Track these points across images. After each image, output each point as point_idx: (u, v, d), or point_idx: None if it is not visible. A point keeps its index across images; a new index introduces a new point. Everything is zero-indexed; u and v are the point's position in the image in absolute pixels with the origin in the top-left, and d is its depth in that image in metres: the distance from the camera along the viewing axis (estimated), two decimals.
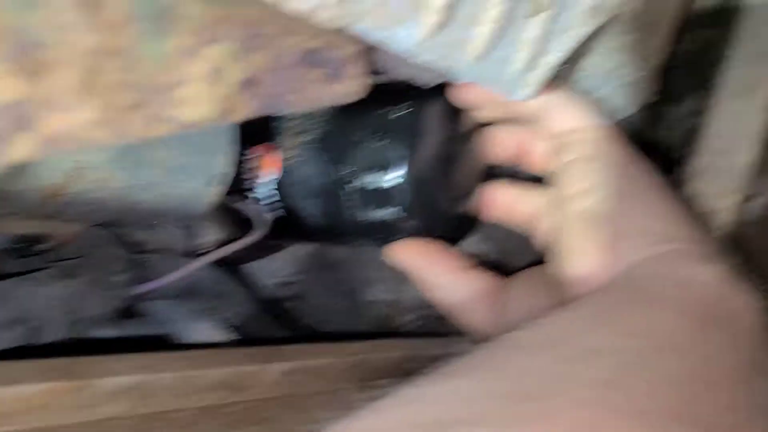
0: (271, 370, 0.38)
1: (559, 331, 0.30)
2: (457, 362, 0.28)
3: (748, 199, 0.56)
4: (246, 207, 0.51)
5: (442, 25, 0.34)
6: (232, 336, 0.49)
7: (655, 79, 0.51)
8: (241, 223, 0.53)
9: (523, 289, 0.48)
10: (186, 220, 0.49)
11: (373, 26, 0.31)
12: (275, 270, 0.62)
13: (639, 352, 0.27)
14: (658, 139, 0.61)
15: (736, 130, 0.55)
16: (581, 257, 0.39)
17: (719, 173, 0.55)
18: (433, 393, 0.26)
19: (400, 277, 0.62)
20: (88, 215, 0.44)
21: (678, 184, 0.56)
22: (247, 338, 0.50)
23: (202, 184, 0.47)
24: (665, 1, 0.48)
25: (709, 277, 0.34)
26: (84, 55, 0.20)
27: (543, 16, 0.38)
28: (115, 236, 0.44)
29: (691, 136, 0.58)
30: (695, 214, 0.42)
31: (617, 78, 0.49)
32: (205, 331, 0.49)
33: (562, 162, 0.44)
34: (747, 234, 0.55)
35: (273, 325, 0.54)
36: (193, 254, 0.49)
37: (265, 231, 0.49)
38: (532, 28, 0.38)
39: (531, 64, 0.40)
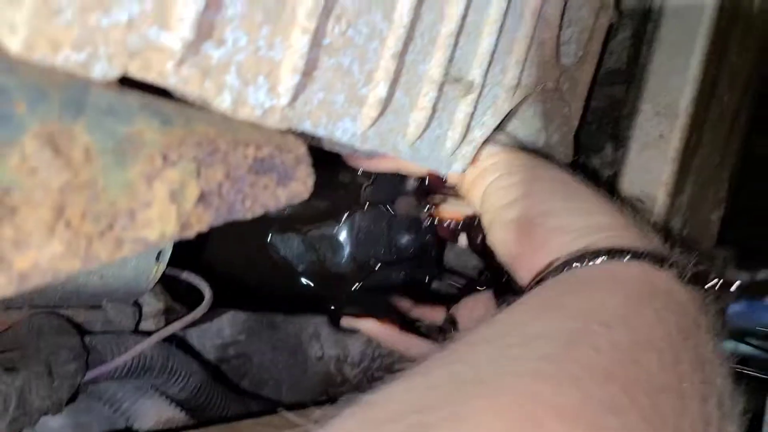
0: None
1: (503, 325, 0.33)
2: (415, 366, 0.31)
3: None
4: (189, 277, 0.52)
5: (381, 116, 0.36)
6: (180, 413, 0.49)
7: (571, 140, 0.55)
8: (184, 292, 0.54)
9: (465, 312, 0.53)
10: (133, 297, 0.49)
11: (318, 124, 0.33)
12: (218, 331, 0.62)
13: (574, 331, 0.30)
14: None
15: (649, 180, 0.60)
16: (515, 259, 0.43)
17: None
18: (391, 392, 0.29)
19: (345, 333, 0.64)
20: (33, 300, 0.44)
21: None
22: (197, 413, 0.50)
23: (148, 261, 0.47)
24: (583, 72, 0.52)
25: (633, 261, 0.37)
26: (53, 193, 0.21)
27: (471, 96, 0.41)
28: (62, 322, 0.44)
29: (610, 186, 0.63)
30: (615, 205, 0.45)
31: (536, 141, 0.53)
32: (152, 407, 0.48)
33: (486, 184, 0.46)
34: None
35: (220, 393, 0.54)
36: (141, 332, 0.49)
37: (211, 302, 0.50)
38: (462, 108, 0.41)
39: (462, 140, 0.43)
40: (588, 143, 0.65)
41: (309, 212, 0.58)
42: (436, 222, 0.56)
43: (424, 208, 0.55)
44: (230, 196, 0.27)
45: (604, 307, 0.33)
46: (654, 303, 0.34)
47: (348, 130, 0.34)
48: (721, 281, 0.40)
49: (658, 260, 0.37)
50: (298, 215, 0.59)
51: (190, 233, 0.26)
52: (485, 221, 0.47)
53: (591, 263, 0.38)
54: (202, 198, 0.26)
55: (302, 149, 0.32)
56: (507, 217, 0.44)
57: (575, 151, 0.60)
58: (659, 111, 0.61)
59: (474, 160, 0.45)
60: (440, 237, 0.59)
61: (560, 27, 0.46)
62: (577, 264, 0.38)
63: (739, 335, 2.70)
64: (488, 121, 0.43)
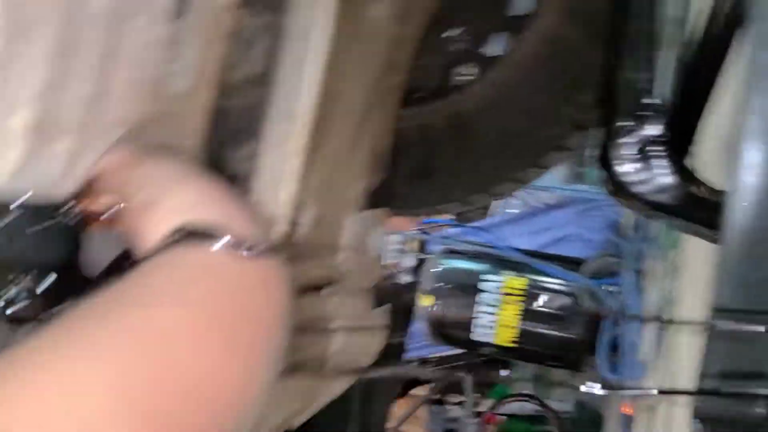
0: None
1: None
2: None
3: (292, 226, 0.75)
4: None
5: None
6: None
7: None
8: None
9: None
10: None
11: None
12: None
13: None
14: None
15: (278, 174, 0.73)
16: (138, 239, 0.51)
17: (268, 207, 0.73)
18: None
19: None
20: None
21: None
22: None
23: None
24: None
25: (205, 240, 0.45)
26: None
27: (70, 137, 0.49)
28: None
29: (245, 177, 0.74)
30: (221, 192, 0.53)
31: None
32: None
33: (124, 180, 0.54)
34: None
35: None
36: None
37: None
38: (61, 147, 0.49)
39: (71, 167, 0.50)
40: (232, 140, 0.76)
41: None
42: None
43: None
44: None
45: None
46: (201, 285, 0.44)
47: None
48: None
49: (230, 243, 0.46)
50: None
51: None
52: (122, 210, 0.54)
53: (178, 243, 0.46)
54: None
55: None
56: (131, 204, 0.53)
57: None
58: (283, 114, 0.73)
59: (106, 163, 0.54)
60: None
61: (162, 65, 0.55)
62: (170, 242, 0.47)
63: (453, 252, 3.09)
64: (99, 146, 0.52)
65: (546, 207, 3.96)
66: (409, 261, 3.31)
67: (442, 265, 3.06)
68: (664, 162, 1.15)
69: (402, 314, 1.35)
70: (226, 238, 0.46)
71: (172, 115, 0.59)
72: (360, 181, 0.92)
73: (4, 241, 0.58)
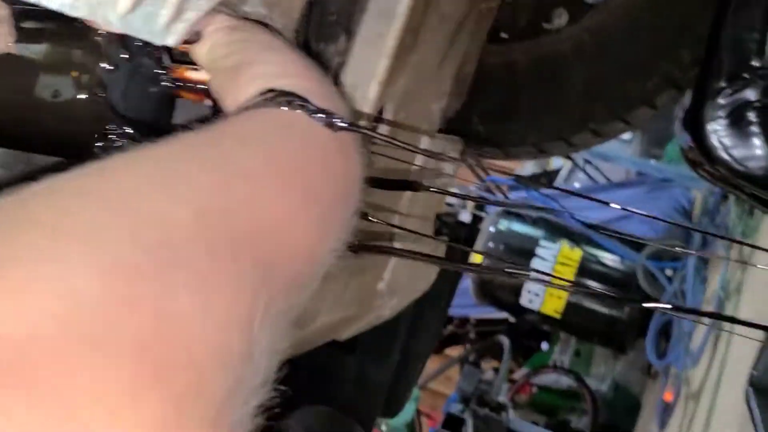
0: None
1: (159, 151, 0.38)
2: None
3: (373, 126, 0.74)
4: None
5: None
6: None
7: (293, 29, 0.65)
8: None
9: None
10: None
11: None
12: None
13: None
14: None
15: (366, 71, 0.72)
16: (226, 98, 0.52)
17: (353, 102, 0.72)
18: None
19: None
20: None
21: None
22: None
23: None
24: None
25: (292, 104, 0.46)
26: None
27: None
28: None
29: (336, 72, 0.74)
30: (312, 69, 0.54)
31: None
32: None
33: (210, 43, 0.55)
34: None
35: None
36: None
37: None
38: None
39: (175, 17, 0.51)
40: (326, 32, 0.75)
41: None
42: (181, 84, 0.64)
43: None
44: None
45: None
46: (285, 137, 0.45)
47: None
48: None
49: (315, 110, 0.47)
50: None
51: None
52: (209, 70, 0.56)
53: (266, 103, 0.47)
54: None
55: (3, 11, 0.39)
56: (223, 65, 0.54)
57: (305, 40, 0.71)
58: (381, 11, 0.72)
59: (202, 27, 0.54)
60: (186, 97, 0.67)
61: None
62: (259, 101, 0.48)
63: (511, 214, 3.05)
64: (203, 5, 0.52)
65: (613, 184, 3.86)
66: (466, 216, 3.28)
67: (500, 225, 3.03)
68: (759, 130, 1.09)
69: (458, 256, 1.35)
70: (311, 106, 0.47)
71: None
72: (443, 99, 0.91)
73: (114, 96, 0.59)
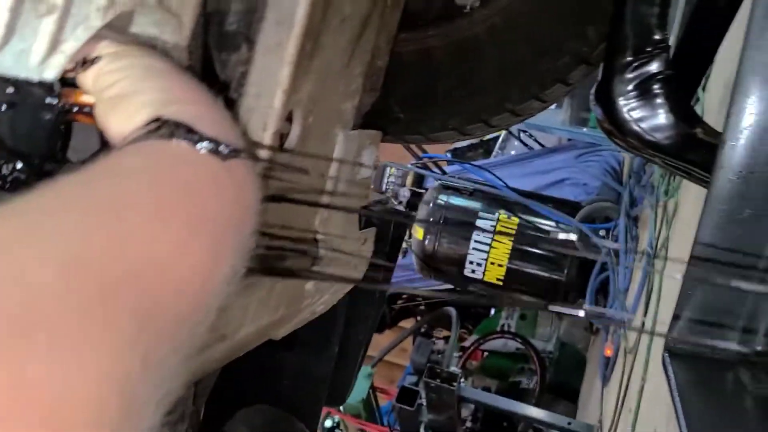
0: None
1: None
2: None
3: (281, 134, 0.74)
4: None
5: None
6: None
7: (185, 46, 0.64)
8: None
9: None
10: None
11: None
12: None
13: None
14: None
15: (269, 80, 0.72)
16: (112, 129, 0.51)
17: (257, 113, 0.72)
18: None
19: None
20: None
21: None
22: None
23: None
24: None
25: (178, 133, 0.45)
26: None
27: (55, 15, 0.48)
28: None
29: (240, 82, 0.73)
30: (201, 92, 0.53)
31: (152, 43, 0.61)
32: None
33: (95, 71, 0.53)
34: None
35: None
36: None
37: None
38: (45, 25, 0.48)
39: (51, 51, 0.49)
40: (227, 42, 0.74)
41: None
42: (76, 108, 0.62)
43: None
44: None
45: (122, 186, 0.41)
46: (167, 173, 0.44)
47: None
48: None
49: (200, 139, 0.46)
50: None
51: None
52: (95, 100, 0.54)
53: (149, 135, 0.46)
54: None
55: None
56: (108, 95, 0.52)
57: (203, 54, 0.70)
58: (279, 20, 0.72)
59: (86, 54, 0.52)
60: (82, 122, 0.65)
61: None
62: (142, 134, 0.47)
63: (449, 189, 3.10)
64: (80, 35, 0.50)
65: (545, 150, 3.95)
66: (405, 193, 3.31)
67: (439, 200, 3.08)
68: (664, 101, 1.13)
69: (392, 242, 1.36)
70: (196, 135, 0.46)
71: (163, 7, 0.57)
72: (354, 97, 0.91)
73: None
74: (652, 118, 1.12)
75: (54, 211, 0.36)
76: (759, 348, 0.82)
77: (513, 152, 4.41)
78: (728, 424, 0.79)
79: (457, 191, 3.06)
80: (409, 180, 3.41)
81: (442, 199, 3.07)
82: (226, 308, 0.75)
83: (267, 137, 0.72)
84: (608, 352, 2.65)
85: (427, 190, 3.17)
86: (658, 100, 1.12)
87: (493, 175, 2.98)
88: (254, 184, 0.50)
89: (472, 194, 3.05)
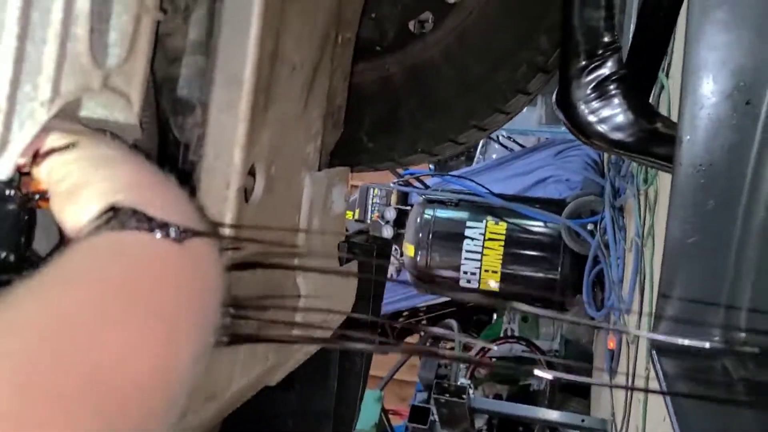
0: None
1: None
2: None
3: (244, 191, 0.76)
4: None
5: None
6: None
7: (137, 123, 0.65)
8: None
9: None
10: None
11: None
12: None
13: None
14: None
15: (225, 139, 0.73)
16: (67, 223, 0.51)
17: (218, 173, 0.73)
18: None
19: None
20: None
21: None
22: None
23: None
24: (135, 66, 0.61)
25: (131, 223, 0.45)
26: None
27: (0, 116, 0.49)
28: None
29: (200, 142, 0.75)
30: (155, 175, 0.53)
31: (104, 126, 0.62)
32: None
33: (49, 164, 0.53)
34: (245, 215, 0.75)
35: None
36: None
37: None
38: None
39: (0, 152, 0.50)
40: (181, 107, 0.76)
41: None
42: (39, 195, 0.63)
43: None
44: None
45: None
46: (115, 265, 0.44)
47: None
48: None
49: (152, 225, 0.46)
50: None
51: None
52: (50, 196, 0.54)
53: (99, 229, 0.47)
54: None
55: None
56: (59, 189, 0.52)
57: (160, 121, 0.72)
58: (228, 79, 0.73)
59: (37, 147, 0.53)
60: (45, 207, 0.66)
61: (91, 40, 0.55)
62: (92, 228, 0.47)
63: (433, 202, 3.12)
64: (28, 131, 0.52)
65: (525, 150, 3.97)
66: (390, 213, 3.33)
67: (425, 215, 3.09)
68: (622, 100, 1.15)
69: (376, 271, 1.37)
70: (146, 222, 0.47)
71: (109, 90, 0.58)
72: (316, 139, 0.93)
73: None
74: (613, 118, 1.14)
75: (4, 331, 0.37)
76: (742, 338, 0.83)
77: (494, 156, 4.44)
78: (719, 414, 0.80)
79: (442, 204, 3.08)
80: (393, 198, 3.43)
81: (428, 213, 3.09)
82: (211, 368, 0.76)
83: (231, 195, 0.74)
84: (611, 344, 2.66)
85: (412, 206, 3.19)
86: (616, 100, 1.14)
87: (475, 182, 3.00)
88: (215, 258, 0.50)
89: (457, 205, 3.07)
